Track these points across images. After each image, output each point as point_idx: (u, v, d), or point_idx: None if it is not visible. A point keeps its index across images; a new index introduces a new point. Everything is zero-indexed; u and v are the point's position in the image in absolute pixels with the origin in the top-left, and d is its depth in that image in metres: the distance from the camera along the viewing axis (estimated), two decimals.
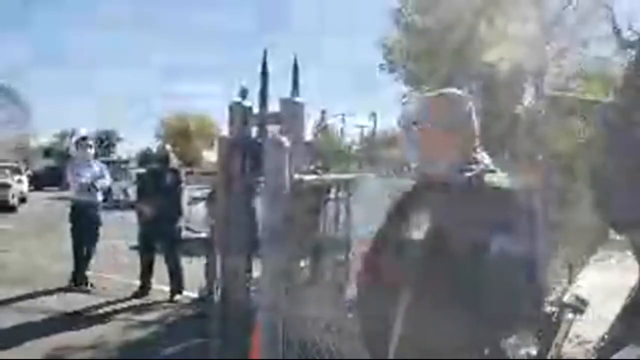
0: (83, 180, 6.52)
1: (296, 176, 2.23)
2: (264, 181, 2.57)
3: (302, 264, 3.04)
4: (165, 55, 72.87)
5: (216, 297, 4.01)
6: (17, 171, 20.67)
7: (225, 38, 73.98)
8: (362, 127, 33.18)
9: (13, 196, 17.27)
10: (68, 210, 6.65)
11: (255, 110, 2.81)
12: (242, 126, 2.68)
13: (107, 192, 7.99)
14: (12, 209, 16.58)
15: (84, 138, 7.01)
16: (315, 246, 3.14)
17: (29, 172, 24.67)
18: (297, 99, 2.70)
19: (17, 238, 10.49)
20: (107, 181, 6.89)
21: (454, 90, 1.75)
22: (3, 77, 49.76)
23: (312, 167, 3.34)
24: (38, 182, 24.61)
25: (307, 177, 2.35)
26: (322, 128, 36.48)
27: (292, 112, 2.49)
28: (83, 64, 69.28)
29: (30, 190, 21.29)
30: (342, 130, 38.14)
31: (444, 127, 1.58)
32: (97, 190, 6.65)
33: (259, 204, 3.12)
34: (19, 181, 19.52)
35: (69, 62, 68.35)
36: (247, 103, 2.80)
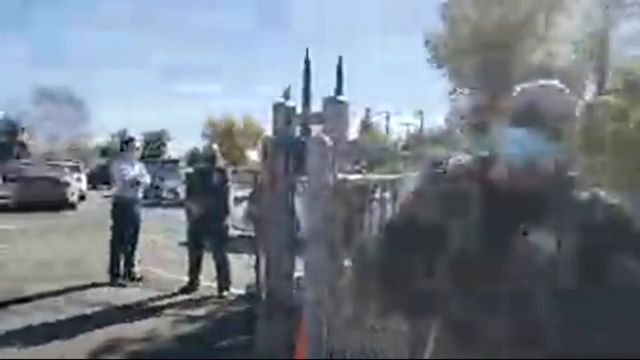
0: (126, 178, 6.81)
1: (340, 176, 2.23)
2: (306, 180, 2.59)
3: (346, 263, 3.03)
4: (207, 56, 74.30)
5: (262, 294, 4.08)
6: (76, 170, 21.61)
7: (266, 36, 74.68)
8: (407, 125, 32.81)
9: (73, 194, 18.06)
10: (110, 205, 6.94)
11: (299, 109, 2.82)
12: (285, 126, 2.69)
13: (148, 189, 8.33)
14: (72, 206, 17.33)
15: (130, 139, 7.30)
16: (360, 246, 3.13)
17: (87, 170, 25.68)
18: (341, 98, 2.69)
19: (76, 232, 11.01)
20: (147, 179, 7.19)
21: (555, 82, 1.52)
22: (62, 79, 52.33)
23: (356, 167, 3.33)
24: (95, 180, 25.55)
25: (351, 177, 2.34)
26: (367, 126, 36.30)
27: (336, 111, 2.49)
28: (136, 65, 71.83)
29: (88, 189, 22.19)
30: (387, 128, 37.87)
31: (555, 121, 1.37)
32: (138, 187, 6.94)
33: (298, 203, 3.15)
34: (78, 179, 20.39)
35: (124, 63, 70.71)
36: (290, 103, 2.82)
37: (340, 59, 3.09)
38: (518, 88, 1.54)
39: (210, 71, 73.12)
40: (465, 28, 11.06)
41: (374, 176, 2.75)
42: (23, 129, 47.01)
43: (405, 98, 63.93)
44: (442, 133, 18.48)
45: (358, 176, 2.59)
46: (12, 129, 45.38)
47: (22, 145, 44.84)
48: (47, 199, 16.44)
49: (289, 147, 2.76)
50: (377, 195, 2.97)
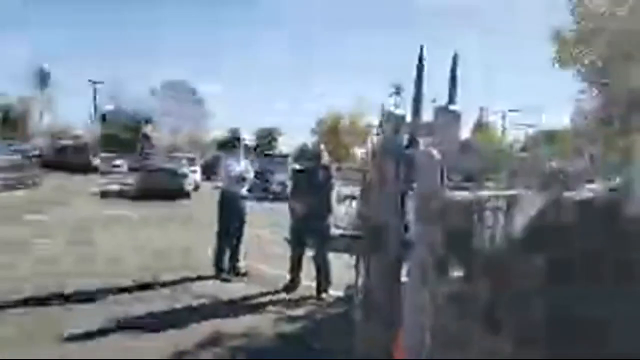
0: (232, 173, 7.04)
1: (447, 194, 2.06)
2: (415, 190, 2.44)
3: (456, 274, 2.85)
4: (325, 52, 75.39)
5: (360, 296, 3.98)
6: (192, 162, 23.08)
7: (377, 34, 74.30)
8: (528, 126, 30.96)
9: (189, 184, 19.31)
10: (217, 198, 7.18)
11: (408, 117, 2.68)
12: (394, 135, 2.56)
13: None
14: (187, 195, 18.51)
15: (238, 138, 7.59)
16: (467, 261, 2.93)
17: (201, 161, 27.28)
18: (453, 107, 2.50)
19: (190, 222, 11.70)
20: (251, 175, 7.42)
21: None
22: (184, 77, 56.14)
23: (460, 178, 3.10)
24: (208, 171, 27.07)
25: (459, 194, 2.16)
26: (480, 126, 34.79)
27: (446, 121, 2.31)
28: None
29: (202, 179, 23.58)
30: (503, 128, 36.01)
31: None
32: (244, 183, 7.14)
33: (409, 206, 3.00)
34: (194, 171, 21.78)
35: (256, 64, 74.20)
36: (400, 112, 2.69)
37: (454, 58, 2.89)
38: None
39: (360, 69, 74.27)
40: (596, 23, 10.15)
41: (485, 192, 2.52)
42: (147, 122, 50.98)
43: (527, 99, 60.50)
44: (564, 132, 17.20)
45: (465, 193, 2.39)
46: (137, 123, 49.34)
47: (146, 137, 48.61)
48: (166, 187, 17.70)
49: (398, 156, 2.62)
50: (489, 205, 2.74)
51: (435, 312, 2.58)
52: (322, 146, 7.15)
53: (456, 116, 2.33)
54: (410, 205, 2.86)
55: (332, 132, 48.71)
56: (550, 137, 23.64)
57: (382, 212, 2.94)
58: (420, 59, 3.01)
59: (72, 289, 5.74)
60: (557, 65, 11.69)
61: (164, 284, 6.34)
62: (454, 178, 2.34)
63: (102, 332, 4.67)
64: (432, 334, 2.63)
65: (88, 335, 4.56)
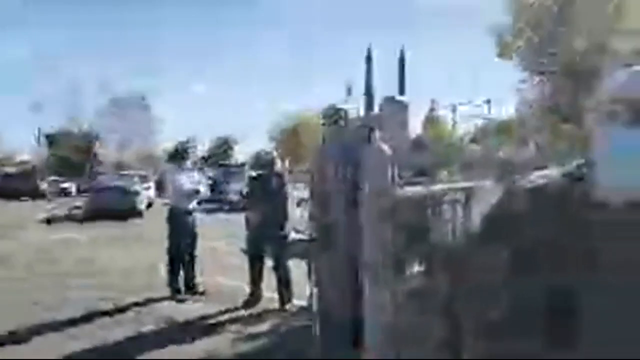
0: (183, 188, 6.69)
1: (399, 190, 1.86)
2: (364, 189, 2.26)
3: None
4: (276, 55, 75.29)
5: (315, 302, 3.77)
6: (144, 179, 22.37)
7: (326, 34, 74.89)
8: (477, 117, 31.60)
9: (141, 202, 18.62)
10: (166, 215, 6.82)
11: (361, 112, 2.51)
12: (338, 132, 2.36)
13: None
14: (139, 213, 17.83)
15: (182, 147, 7.24)
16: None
17: (155, 177, 26.56)
18: (400, 98, 2.31)
19: (142, 242, 11.20)
20: (202, 188, 7.07)
21: None
22: (134, 90, 54.81)
23: (411, 174, 2.94)
24: (162, 187, 26.38)
25: (411, 190, 1.97)
26: (432, 120, 35.33)
27: (393, 111, 2.13)
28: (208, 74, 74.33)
29: (155, 196, 22.91)
30: (453, 121, 36.64)
31: None
32: (195, 197, 6.82)
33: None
34: (147, 188, 21.08)
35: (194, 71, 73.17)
36: (343, 106, 2.49)
37: (402, 51, 2.73)
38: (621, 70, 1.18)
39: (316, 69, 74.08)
40: (528, 16, 10.45)
41: (438, 186, 2.35)
42: (96, 140, 49.39)
43: (472, 91, 61.88)
44: (511, 122, 17.57)
45: (419, 188, 2.21)
46: (88, 142, 47.71)
47: (95, 156, 47.16)
48: (116, 207, 17.00)
49: (341, 154, 2.42)
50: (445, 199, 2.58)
51: (395, 310, 2.43)
52: (275, 153, 6.95)
53: (403, 106, 2.15)
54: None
55: (292, 134, 48.89)
56: (498, 127, 24.22)
57: (328, 212, 2.77)
58: (369, 56, 2.84)
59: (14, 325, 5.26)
60: (498, 58, 11.96)
61: (114, 309, 5.92)
62: (404, 174, 2.16)
63: None
64: (393, 332, 2.48)
65: None
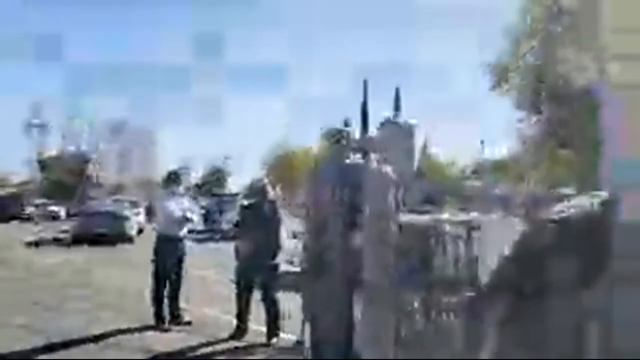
0: (170, 213, 6.48)
1: (404, 218, 1.73)
2: (364, 216, 2.12)
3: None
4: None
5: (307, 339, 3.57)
6: (134, 205, 22.13)
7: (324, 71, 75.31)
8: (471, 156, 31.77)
9: (131, 228, 18.31)
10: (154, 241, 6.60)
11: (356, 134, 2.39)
12: (339, 153, 2.23)
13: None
14: (130, 239, 17.50)
15: (174, 173, 7.06)
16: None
17: (146, 203, 26.29)
18: (409, 120, 2.19)
19: (129, 268, 10.91)
20: (193, 214, 6.86)
21: None
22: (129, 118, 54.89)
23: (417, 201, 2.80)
24: (153, 213, 26.11)
25: (418, 218, 1.84)
26: (425, 154, 35.40)
27: (399, 135, 2.00)
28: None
29: (147, 221, 22.57)
30: (449, 160, 36.78)
31: None
32: (184, 224, 6.60)
33: (359, 240, 2.68)
34: (137, 214, 20.78)
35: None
36: (344, 128, 2.38)
37: (397, 88, 2.63)
38: None
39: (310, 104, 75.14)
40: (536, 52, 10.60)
41: (444, 216, 2.22)
42: (90, 162, 49.15)
43: (464, 128, 62.14)
44: (507, 160, 17.62)
45: (426, 217, 2.07)
46: (80, 165, 47.42)
47: (89, 179, 46.84)
48: (106, 232, 16.70)
49: (339, 179, 2.29)
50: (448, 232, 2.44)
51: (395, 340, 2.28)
52: (266, 180, 6.79)
53: (409, 130, 2.03)
54: (358, 238, 2.55)
55: (283, 166, 48.43)
56: (494, 165, 24.29)
57: (323, 236, 2.62)
58: (365, 94, 2.75)
59: None
60: (494, 93, 12.03)
61: (96, 337, 5.65)
62: (409, 201, 2.02)
63: None
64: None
65: None
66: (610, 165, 1.12)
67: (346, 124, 2.38)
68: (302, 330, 5.04)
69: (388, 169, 1.76)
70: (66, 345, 5.38)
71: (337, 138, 2.25)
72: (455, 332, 2.38)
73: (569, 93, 10.09)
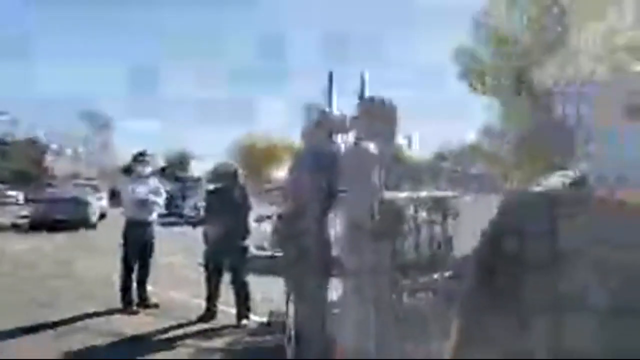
0: (137, 196, 6.37)
1: (386, 194, 1.76)
2: (345, 196, 2.15)
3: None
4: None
5: (287, 322, 3.60)
6: (95, 189, 21.60)
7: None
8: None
9: (93, 213, 17.88)
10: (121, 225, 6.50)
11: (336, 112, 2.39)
12: (317, 131, 2.25)
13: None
14: (93, 225, 17.12)
15: (141, 154, 6.87)
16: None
17: (107, 187, 25.71)
18: (386, 99, 2.23)
19: (93, 253, 10.70)
20: (161, 197, 6.74)
21: None
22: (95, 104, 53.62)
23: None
24: (116, 198, 25.56)
25: (400, 195, 1.88)
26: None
27: (380, 115, 2.03)
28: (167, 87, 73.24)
29: (110, 206, 22.07)
30: (409, 145, 37.14)
31: None
32: (152, 208, 6.49)
33: (333, 222, 2.71)
34: (99, 198, 20.30)
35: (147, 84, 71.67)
36: (322, 105, 2.39)
37: (362, 74, 2.66)
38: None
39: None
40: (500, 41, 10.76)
41: (423, 193, 2.27)
42: (44, 152, 48.25)
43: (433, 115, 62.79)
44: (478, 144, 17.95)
45: (405, 194, 2.11)
46: (36, 153, 46.58)
47: (46, 169, 45.90)
48: (67, 218, 16.28)
49: (319, 157, 2.31)
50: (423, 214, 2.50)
51: (381, 323, 2.32)
52: (236, 164, 6.75)
53: (392, 108, 2.06)
54: (337, 221, 2.58)
55: (247, 154, 48.45)
56: (469, 148, 24.71)
57: (303, 229, 2.64)
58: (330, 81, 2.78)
59: None
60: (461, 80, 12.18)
61: (63, 322, 5.56)
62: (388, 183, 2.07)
63: None
64: (378, 346, 2.36)
65: None
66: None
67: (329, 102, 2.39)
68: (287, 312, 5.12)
69: (370, 146, 1.79)
70: (34, 329, 5.28)
71: (317, 119, 2.25)
72: (433, 314, 2.44)
73: (548, 93, 10.37)
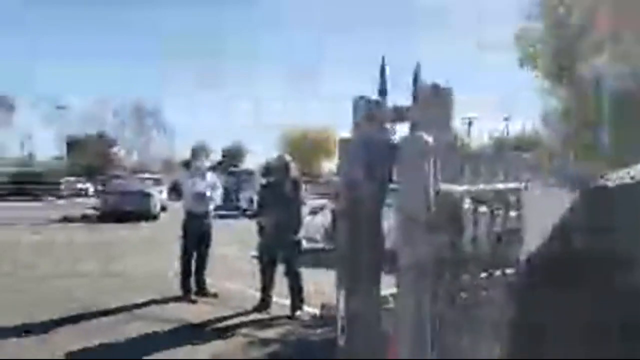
0: (196, 190, 6.56)
1: (442, 186, 1.69)
2: (399, 188, 2.09)
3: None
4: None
5: (340, 316, 3.57)
6: (158, 182, 22.37)
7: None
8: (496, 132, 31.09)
9: (155, 205, 18.57)
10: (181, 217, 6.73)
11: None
12: (368, 123, 2.19)
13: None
14: (154, 217, 17.80)
15: (198, 150, 7.07)
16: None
17: (169, 181, 26.56)
18: (442, 85, 2.14)
19: (154, 244, 11.11)
20: (218, 191, 6.96)
21: None
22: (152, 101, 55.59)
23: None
24: (176, 192, 26.40)
25: (457, 188, 1.80)
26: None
27: (435, 101, 1.95)
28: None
29: (171, 199, 22.82)
30: (469, 134, 35.99)
31: None
32: (209, 200, 6.68)
33: (387, 215, 2.65)
34: (160, 192, 21.03)
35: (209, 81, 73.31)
36: (373, 97, 2.33)
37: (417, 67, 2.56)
38: None
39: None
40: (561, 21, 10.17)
41: (482, 186, 2.17)
42: (113, 145, 50.75)
43: (491, 103, 60.18)
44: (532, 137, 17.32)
45: (464, 187, 2.02)
46: (108, 147, 49.30)
47: (112, 161, 48.37)
48: (132, 210, 17.04)
49: (372, 148, 2.25)
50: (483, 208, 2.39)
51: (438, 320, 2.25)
52: (289, 157, 6.76)
53: (447, 93, 1.97)
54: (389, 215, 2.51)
55: (296, 146, 48.68)
56: (517, 142, 23.92)
57: (354, 225, 2.59)
58: (382, 68, 2.70)
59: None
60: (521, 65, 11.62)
61: (125, 308, 5.86)
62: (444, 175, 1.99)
63: None
64: (434, 343, 2.29)
65: None
66: None
67: (381, 93, 2.32)
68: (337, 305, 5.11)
69: (425, 135, 1.72)
70: (94, 315, 5.56)
71: (369, 111, 2.19)
72: (492, 312, 2.35)
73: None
